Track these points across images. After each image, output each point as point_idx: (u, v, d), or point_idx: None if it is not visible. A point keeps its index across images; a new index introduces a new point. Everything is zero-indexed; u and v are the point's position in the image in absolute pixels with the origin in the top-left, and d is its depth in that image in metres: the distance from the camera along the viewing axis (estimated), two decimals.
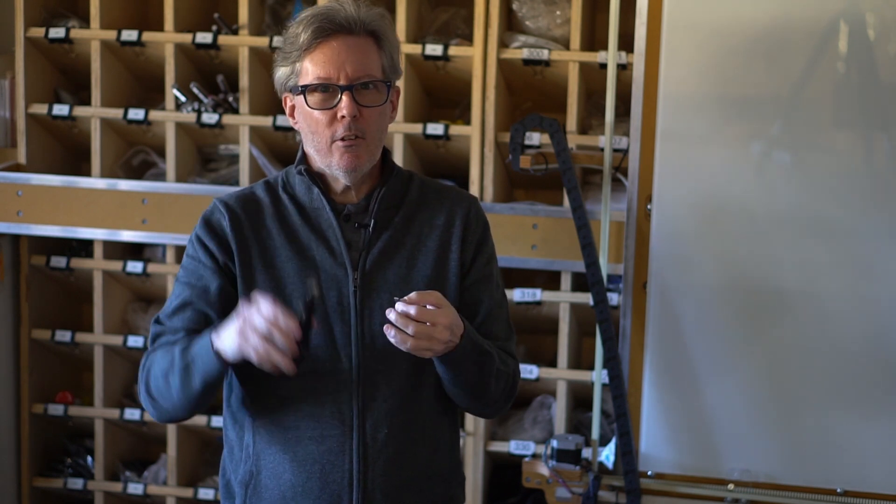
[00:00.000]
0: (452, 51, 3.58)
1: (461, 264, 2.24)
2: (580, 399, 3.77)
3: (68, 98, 3.93)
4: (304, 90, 2.14)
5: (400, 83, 2.27)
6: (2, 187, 3.76)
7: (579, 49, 3.52)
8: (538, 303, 3.57)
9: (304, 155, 2.24)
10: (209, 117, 3.72)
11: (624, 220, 3.25)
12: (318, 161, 2.20)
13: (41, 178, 3.78)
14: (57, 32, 3.77)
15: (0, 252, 3.85)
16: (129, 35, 3.73)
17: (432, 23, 3.78)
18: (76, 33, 3.77)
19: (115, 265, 3.83)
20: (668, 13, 3.11)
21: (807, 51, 3.06)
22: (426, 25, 3.78)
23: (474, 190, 3.58)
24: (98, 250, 3.84)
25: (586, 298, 3.52)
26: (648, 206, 3.18)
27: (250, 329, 1.97)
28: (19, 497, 4.00)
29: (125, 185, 3.75)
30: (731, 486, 3.20)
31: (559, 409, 3.63)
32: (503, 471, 3.80)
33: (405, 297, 2.05)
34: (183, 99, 3.74)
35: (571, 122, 3.54)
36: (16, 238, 3.90)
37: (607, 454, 3.30)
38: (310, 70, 2.13)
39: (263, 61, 3.70)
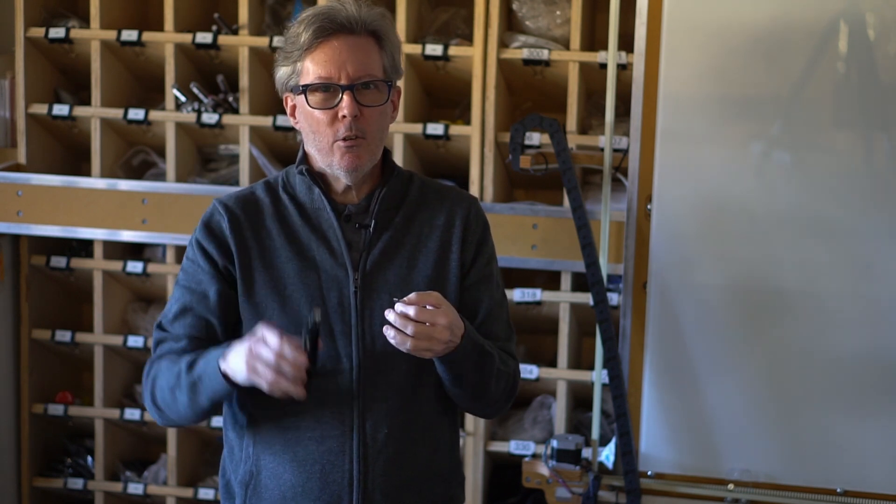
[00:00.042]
0: (452, 51, 3.58)
1: (461, 264, 2.24)
2: (580, 399, 3.77)
3: (68, 98, 3.93)
4: (306, 90, 2.14)
5: (400, 83, 2.27)
6: (2, 187, 3.76)
7: (579, 49, 3.52)
8: (538, 303, 3.57)
9: (305, 155, 2.24)
10: (209, 117, 3.72)
11: (624, 220, 3.25)
12: (318, 161, 2.20)
13: (41, 178, 3.78)
14: (57, 32, 3.77)
15: (0, 252, 3.85)
16: (129, 35, 3.73)
17: (432, 23, 3.78)
18: (76, 33, 3.77)
19: (115, 265, 3.83)
20: (668, 13, 3.11)
21: (807, 51, 3.06)
22: (426, 25, 3.78)
23: (474, 190, 3.58)
24: (98, 250, 3.84)
25: (586, 298, 3.52)
26: (648, 206, 3.18)
27: (258, 362, 2.00)
28: (19, 497, 4.00)
29: (125, 185, 3.75)
30: (731, 486, 3.20)
31: (559, 409, 3.63)
32: (503, 471, 3.80)
33: (405, 298, 2.05)
34: (183, 99, 3.74)
35: (571, 122, 3.55)
36: (16, 238, 3.90)
37: (607, 454, 3.30)
38: (311, 70, 2.13)
39: (263, 61, 3.70)
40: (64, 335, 3.91)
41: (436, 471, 2.26)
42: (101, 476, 3.95)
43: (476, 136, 3.58)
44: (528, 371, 3.59)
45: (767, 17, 3.07)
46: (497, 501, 3.78)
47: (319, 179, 2.22)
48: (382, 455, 2.17)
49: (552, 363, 3.66)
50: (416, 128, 3.61)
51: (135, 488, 3.91)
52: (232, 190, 3.43)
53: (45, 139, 3.92)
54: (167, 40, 3.72)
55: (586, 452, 3.27)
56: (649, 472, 3.25)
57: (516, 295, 3.56)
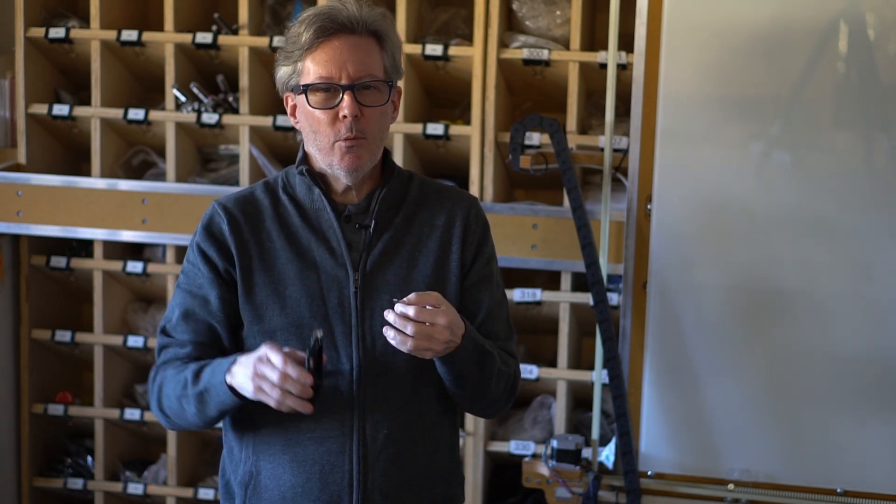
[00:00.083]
0: (452, 51, 3.58)
1: (461, 265, 2.24)
2: (580, 399, 3.77)
3: (68, 98, 3.93)
4: (306, 89, 2.14)
5: (400, 83, 2.27)
6: (2, 187, 3.76)
7: (579, 49, 3.52)
8: (538, 303, 3.57)
9: (305, 155, 2.24)
10: (209, 117, 3.72)
11: (624, 220, 3.25)
12: (319, 161, 2.20)
13: (41, 178, 3.78)
14: (57, 32, 3.77)
15: (0, 252, 3.85)
16: (129, 35, 3.73)
17: (432, 23, 3.78)
18: (76, 33, 3.77)
19: (115, 265, 3.83)
20: (668, 13, 3.11)
21: (807, 51, 3.06)
22: (426, 25, 3.78)
23: (474, 190, 3.58)
24: (98, 250, 3.84)
25: (586, 298, 3.52)
26: (648, 206, 3.18)
27: (264, 382, 2.01)
28: (19, 497, 4.00)
29: (125, 185, 3.75)
30: (731, 486, 3.20)
31: (559, 409, 3.63)
32: (503, 471, 3.80)
33: (404, 299, 2.05)
34: (183, 99, 3.74)
35: (571, 122, 3.55)
36: (16, 238, 3.90)
37: (607, 454, 3.30)
38: (311, 69, 2.13)
39: (263, 61, 3.70)
40: (64, 335, 3.91)
41: (436, 471, 2.26)
42: (101, 476, 3.95)
43: (476, 136, 3.58)
44: (528, 371, 3.59)
45: (767, 17, 3.07)
46: (497, 501, 3.78)
47: (319, 180, 2.22)
48: (382, 455, 2.17)
49: (552, 363, 3.66)
50: (416, 128, 3.61)
51: (135, 488, 3.91)
52: (232, 190, 3.43)
53: (45, 139, 3.92)
54: (167, 40, 3.72)
55: (586, 452, 3.27)
56: (649, 472, 3.25)
57: (516, 295, 3.56)
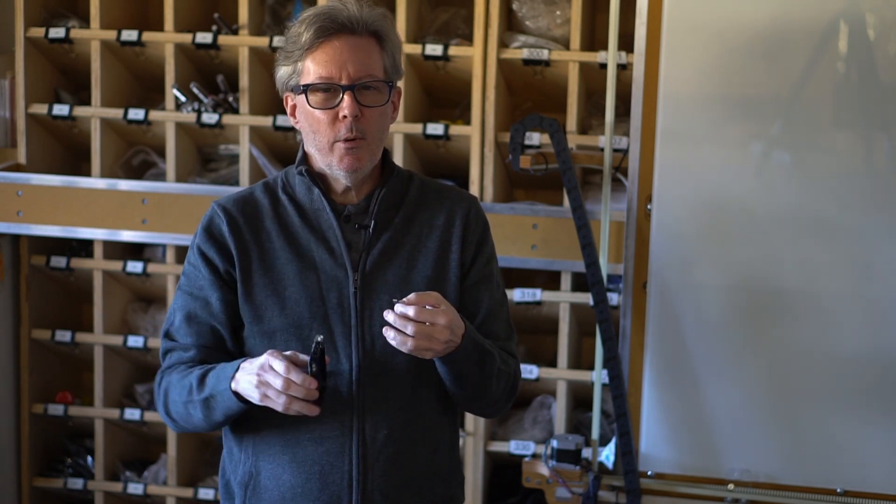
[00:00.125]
0: (452, 51, 3.58)
1: (461, 264, 2.24)
2: (580, 399, 3.77)
3: (68, 98, 3.93)
4: (306, 89, 2.14)
5: (400, 83, 2.27)
6: (2, 187, 3.76)
7: (579, 49, 3.52)
8: (538, 303, 3.57)
9: (305, 155, 2.24)
10: (209, 117, 3.72)
11: (624, 220, 3.25)
12: (318, 161, 2.20)
13: (41, 178, 3.78)
14: (57, 32, 3.77)
15: (0, 252, 3.85)
16: (129, 35, 3.72)
17: (432, 23, 3.78)
18: (76, 33, 3.77)
19: (115, 265, 3.83)
20: (668, 13, 3.11)
21: (807, 51, 3.06)
22: (426, 25, 3.78)
23: (474, 190, 3.58)
24: (98, 250, 3.84)
25: (586, 298, 3.52)
26: (648, 206, 3.18)
27: (269, 390, 2.02)
28: (19, 497, 4.00)
29: (125, 185, 3.75)
30: (731, 486, 3.20)
31: (559, 409, 3.63)
32: (503, 471, 3.80)
33: (404, 299, 2.05)
34: (183, 99, 3.74)
35: (571, 122, 3.54)
36: (16, 238, 3.90)
37: (607, 454, 3.30)
38: (311, 69, 2.13)
39: (263, 61, 3.70)
40: (64, 335, 3.91)
41: (436, 471, 2.26)
42: (101, 476, 3.95)
43: (476, 136, 3.58)
44: (528, 371, 3.59)
45: (767, 17, 3.07)
46: (497, 501, 3.78)
47: (319, 180, 2.22)
48: (382, 455, 2.17)
49: (552, 363, 3.66)
50: (416, 128, 3.61)
51: (135, 488, 3.91)
52: (231, 191, 3.43)
53: (45, 139, 3.92)
54: (167, 40, 3.72)
55: (586, 452, 3.27)
56: (649, 472, 3.25)
57: (516, 295, 3.56)
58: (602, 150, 3.29)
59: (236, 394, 2.08)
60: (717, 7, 3.10)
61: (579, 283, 3.58)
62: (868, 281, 3.10)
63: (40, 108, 3.82)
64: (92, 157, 3.82)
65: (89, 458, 4.01)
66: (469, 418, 3.63)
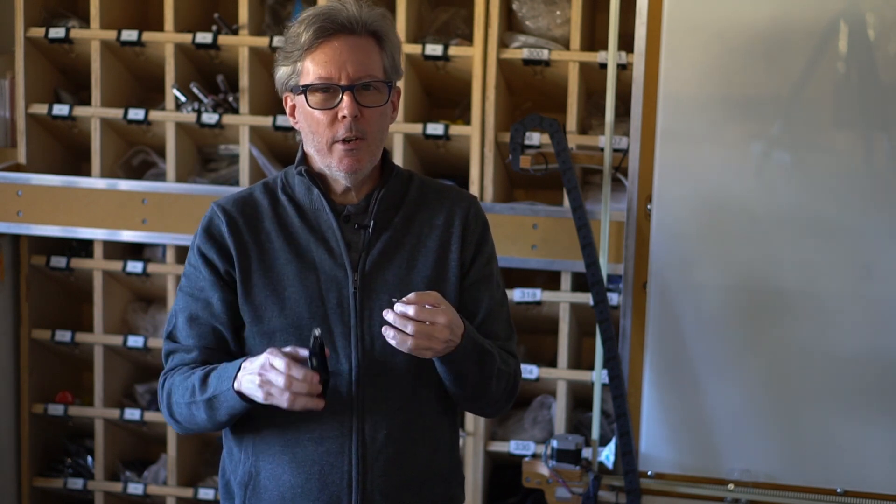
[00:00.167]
0: (452, 51, 3.58)
1: (461, 264, 2.24)
2: (580, 399, 3.77)
3: (68, 98, 3.93)
4: (305, 90, 2.14)
5: (400, 83, 2.27)
6: (2, 187, 3.76)
7: (579, 49, 3.52)
8: (538, 303, 3.57)
9: (305, 155, 2.24)
10: (209, 117, 3.72)
11: (624, 220, 3.25)
12: (318, 161, 2.20)
13: (41, 178, 3.78)
14: (57, 32, 3.77)
15: (0, 252, 3.85)
16: (129, 35, 3.73)
17: (432, 23, 3.78)
18: (76, 33, 3.77)
19: (115, 265, 3.83)
20: (668, 13, 3.11)
21: (807, 51, 3.06)
22: (426, 25, 3.78)
23: (474, 190, 3.58)
24: (98, 250, 3.84)
25: (586, 298, 3.52)
26: (648, 206, 3.18)
27: (272, 388, 2.03)
28: (19, 497, 4.00)
29: (125, 185, 3.75)
30: (731, 486, 3.20)
31: (559, 409, 3.63)
32: (503, 471, 3.80)
33: (403, 298, 2.05)
34: (183, 99, 3.74)
35: (571, 122, 3.54)
36: (16, 238, 3.90)
37: (607, 454, 3.30)
38: (311, 70, 2.13)
39: (263, 61, 3.70)
40: (64, 335, 3.91)
41: (435, 471, 2.26)
42: (101, 476, 3.95)
43: (476, 136, 3.58)
44: (528, 371, 3.59)
45: (767, 17, 3.07)
46: (497, 501, 3.78)
47: (318, 180, 2.22)
48: (382, 456, 2.17)
49: (552, 363, 3.66)
50: (416, 128, 3.61)
51: (135, 488, 3.91)
52: (231, 191, 3.43)
53: (45, 139, 3.92)
54: (167, 40, 3.72)
55: (586, 452, 3.27)
56: (649, 472, 3.25)
57: (516, 295, 3.56)
58: (602, 150, 3.29)
59: (239, 394, 2.08)
60: (717, 7, 3.10)
61: (579, 283, 3.58)
62: (868, 281, 3.10)
63: (40, 108, 3.82)
64: (92, 157, 3.82)
65: (89, 458, 4.01)
66: (469, 418, 3.63)
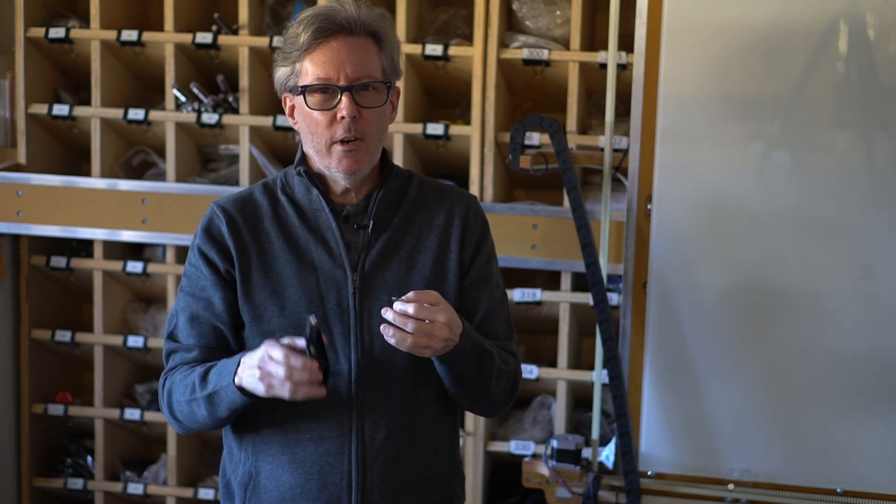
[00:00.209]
0: (452, 51, 3.58)
1: (460, 264, 2.24)
2: (580, 399, 3.77)
3: (68, 98, 3.93)
4: (304, 91, 2.14)
5: (400, 83, 2.27)
6: (2, 187, 3.76)
7: (579, 49, 3.52)
8: (538, 303, 3.57)
9: (304, 155, 2.24)
10: (209, 117, 3.72)
11: (624, 220, 3.25)
12: (317, 162, 2.20)
13: (41, 178, 3.78)
14: (57, 32, 3.77)
15: (0, 252, 3.85)
16: (129, 35, 3.73)
17: (432, 23, 3.78)
18: (76, 33, 3.77)
19: (115, 265, 3.83)
20: (668, 13, 3.11)
21: (807, 51, 3.06)
22: (426, 25, 3.78)
23: (474, 190, 3.58)
24: (98, 250, 3.84)
25: (586, 298, 3.52)
26: (648, 206, 3.18)
27: (273, 380, 2.02)
28: (19, 497, 4.00)
29: (125, 185, 3.75)
30: (731, 486, 3.20)
31: (559, 409, 3.63)
32: (503, 471, 3.80)
33: (403, 297, 2.05)
34: (183, 99, 3.74)
35: (571, 122, 3.54)
36: (16, 238, 3.90)
37: (607, 454, 3.30)
38: (309, 70, 2.13)
39: (263, 61, 3.70)
40: (64, 335, 3.91)
41: (436, 471, 2.26)
42: (101, 476, 3.95)
43: (476, 136, 3.58)
44: (528, 371, 3.59)
45: (767, 17, 3.07)
46: (497, 501, 3.78)
47: (318, 180, 2.21)
48: (381, 456, 2.17)
49: (552, 363, 3.66)
50: (416, 128, 3.61)
51: (135, 488, 3.91)
52: (231, 191, 3.43)
53: (45, 139, 3.92)
54: (167, 40, 3.72)
55: (586, 452, 3.27)
56: (649, 472, 3.25)
57: (516, 295, 3.56)
58: (602, 150, 3.29)
59: (240, 388, 2.08)
60: (717, 7, 3.10)
61: (579, 283, 3.58)
62: (868, 281, 3.10)
63: (40, 108, 3.82)
64: (92, 157, 3.82)
65: (89, 458, 4.01)
66: (469, 418, 3.63)
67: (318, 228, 2.21)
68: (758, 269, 3.14)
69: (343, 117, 2.12)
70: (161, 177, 3.86)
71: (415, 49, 3.59)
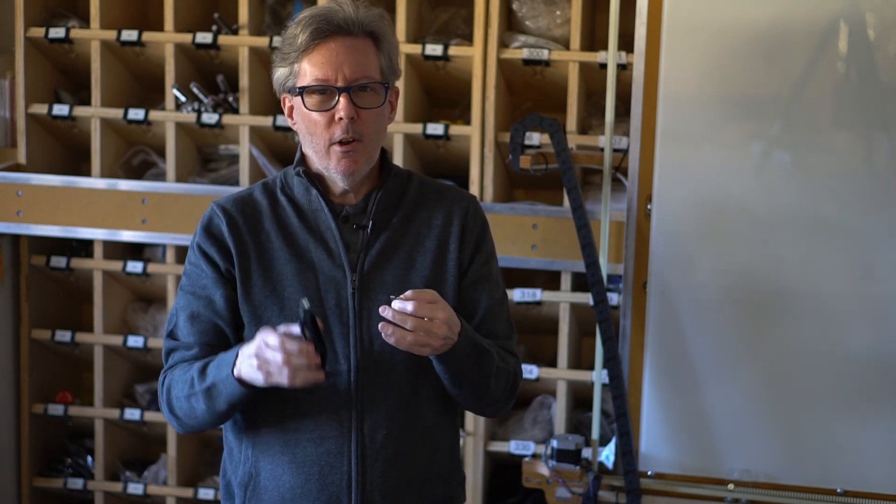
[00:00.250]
0: (452, 51, 3.58)
1: (459, 264, 2.24)
2: (580, 399, 3.77)
3: (68, 98, 3.93)
4: (302, 91, 2.14)
5: (400, 83, 2.27)
6: (2, 187, 3.76)
7: (579, 49, 3.52)
8: (538, 303, 3.57)
9: (303, 156, 2.24)
10: (209, 117, 3.72)
11: (624, 220, 3.25)
12: (316, 162, 2.20)
13: (41, 178, 3.78)
14: (57, 32, 3.77)
15: (0, 252, 3.85)
16: (129, 35, 3.73)
17: (432, 23, 3.78)
18: (76, 33, 3.77)
19: (115, 265, 3.83)
20: (668, 13, 3.11)
21: (807, 51, 3.06)
22: (426, 25, 3.78)
23: (474, 190, 3.58)
24: (98, 250, 3.84)
25: (586, 298, 3.52)
26: (648, 206, 3.18)
27: (271, 367, 2.02)
28: (19, 497, 4.00)
29: (125, 185, 3.75)
30: (731, 486, 3.20)
31: (559, 409, 3.63)
32: (503, 471, 3.80)
33: (401, 296, 2.05)
34: (183, 99, 3.74)
35: (571, 122, 3.54)
36: (16, 238, 3.90)
37: (607, 454, 3.30)
38: (308, 71, 2.13)
39: (263, 61, 3.70)
40: (64, 335, 3.91)
41: (436, 471, 2.26)
42: (101, 476, 3.95)
43: (476, 136, 3.58)
44: (528, 371, 3.59)
45: (767, 17, 3.07)
46: (497, 501, 3.78)
47: (317, 180, 2.21)
48: (381, 456, 2.17)
49: (552, 363, 3.66)
50: (416, 128, 3.61)
51: (135, 488, 3.91)
52: (231, 191, 3.43)
53: (45, 139, 3.92)
54: (167, 40, 3.72)
55: (586, 452, 3.27)
56: (649, 472, 3.25)
57: (516, 295, 3.56)
58: (602, 150, 3.29)
59: (240, 380, 2.08)
60: (717, 7, 3.10)
61: (579, 283, 3.58)
62: (868, 281, 3.10)
63: (40, 108, 3.82)
64: (92, 157, 3.82)
65: (89, 458, 4.02)
66: (469, 418, 3.63)
67: (318, 229, 2.21)
68: (758, 269, 3.14)
69: (341, 118, 2.12)
70: (161, 177, 3.86)
71: (415, 49, 3.59)
